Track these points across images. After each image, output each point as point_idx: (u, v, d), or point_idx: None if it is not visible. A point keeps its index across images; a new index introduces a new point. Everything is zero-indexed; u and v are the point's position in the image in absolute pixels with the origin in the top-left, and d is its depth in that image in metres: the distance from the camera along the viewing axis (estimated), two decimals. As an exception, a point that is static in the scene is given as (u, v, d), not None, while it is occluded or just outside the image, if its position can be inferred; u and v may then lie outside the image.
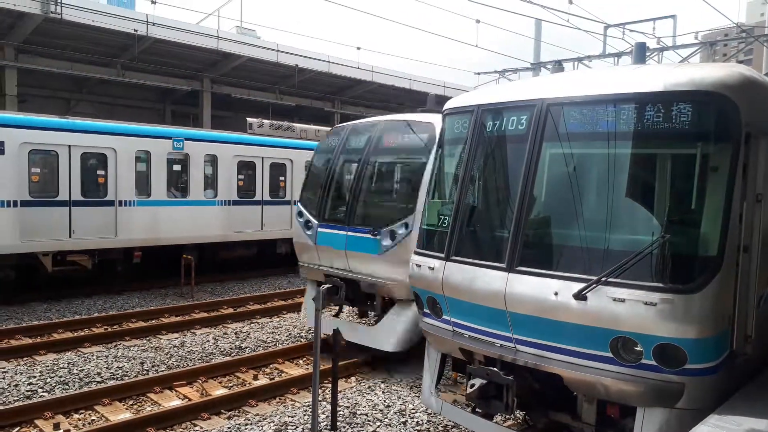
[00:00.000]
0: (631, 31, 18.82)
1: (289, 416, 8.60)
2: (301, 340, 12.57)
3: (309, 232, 11.17)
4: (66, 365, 10.49)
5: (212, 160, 18.44)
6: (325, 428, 8.17)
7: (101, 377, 10.05)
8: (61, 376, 9.93)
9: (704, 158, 5.23)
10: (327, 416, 8.31)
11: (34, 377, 9.87)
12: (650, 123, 5.34)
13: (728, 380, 5.29)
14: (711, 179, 5.20)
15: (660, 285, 5.04)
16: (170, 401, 9.09)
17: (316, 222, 11.07)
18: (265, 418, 8.51)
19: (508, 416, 7.53)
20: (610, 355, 5.26)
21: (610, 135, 5.57)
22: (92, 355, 11.14)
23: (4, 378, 9.80)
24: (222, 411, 8.77)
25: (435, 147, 8.09)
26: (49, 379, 9.80)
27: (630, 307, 5.07)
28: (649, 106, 5.33)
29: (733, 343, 5.25)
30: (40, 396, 9.16)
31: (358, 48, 34.18)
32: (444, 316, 6.64)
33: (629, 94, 5.50)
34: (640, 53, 7.38)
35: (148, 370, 10.48)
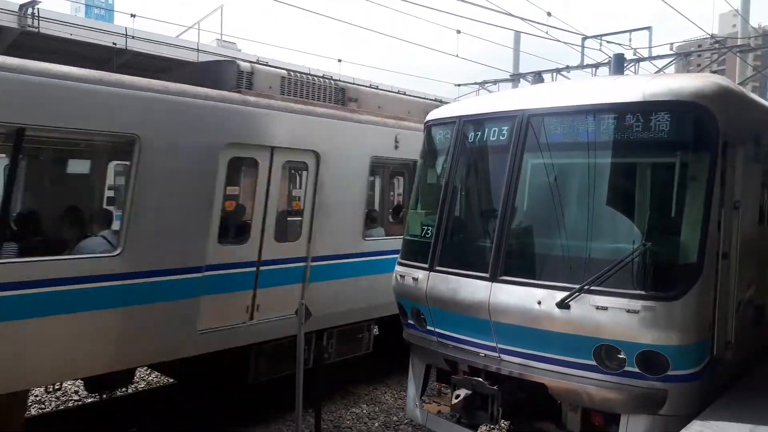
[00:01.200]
0: (608, 42, 19.08)
1: (272, 431, 8.52)
2: None
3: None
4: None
5: None
6: (310, 442, 8.11)
7: (81, 394, 9.88)
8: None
9: (683, 167, 5.31)
10: (311, 431, 8.24)
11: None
12: (629, 133, 5.41)
13: (710, 386, 5.35)
14: (690, 188, 5.28)
15: (642, 293, 5.09)
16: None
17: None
18: (249, 433, 8.42)
19: (492, 426, 7.52)
20: (593, 363, 5.29)
21: (590, 145, 5.64)
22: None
23: None
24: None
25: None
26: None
27: (613, 315, 5.11)
28: (629, 116, 5.40)
29: (713, 349, 5.31)
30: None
31: (339, 60, 34.25)
32: (428, 327, 6.64)
33: (609, 105, 5.57)
34: (619, 64, 7.50)
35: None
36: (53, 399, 9.56)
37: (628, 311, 5.04)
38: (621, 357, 5.19)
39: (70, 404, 9.37)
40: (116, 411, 8.83)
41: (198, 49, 24.15)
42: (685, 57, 21.38)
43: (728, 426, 4.81)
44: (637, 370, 5.12)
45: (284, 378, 9.20)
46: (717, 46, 22.95)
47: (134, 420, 8.39)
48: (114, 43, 22.00)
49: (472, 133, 6.63)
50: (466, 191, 6.77)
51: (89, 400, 9.43)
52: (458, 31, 20.77)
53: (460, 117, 6.79)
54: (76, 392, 9.87)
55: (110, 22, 29.73)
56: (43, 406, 9.31)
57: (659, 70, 19.41)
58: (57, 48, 22.10)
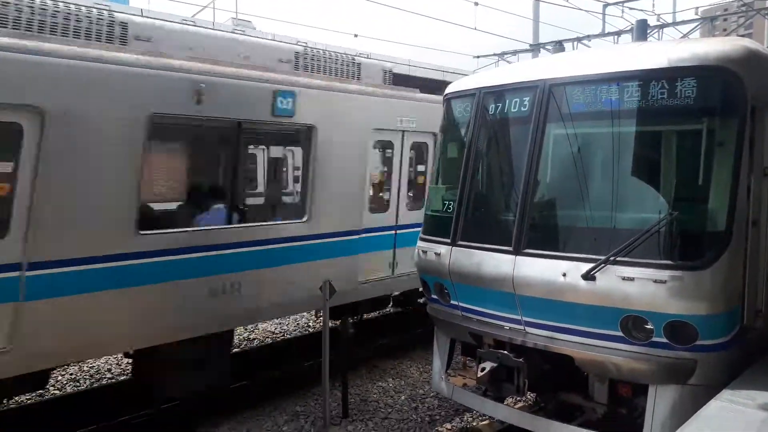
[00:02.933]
0: (630, 9, 18.69)
1: (300, 406, 8.63)
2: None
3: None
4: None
5: None
6: (337, 416, 8.20)
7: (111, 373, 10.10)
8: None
9: (710, 133, 5.19)
10: (338, 404, 8.34)
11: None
12: (654, 100, 5.29)
13: (740, 355, 5.28)
14: (717, 154, 5.16)
15: (669, 262, 5.02)
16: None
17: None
18: (277, 408, 8.54)
19: (519, 398, 7.54)
20: (620, 334, 5.25)
21: (614, 113, 5.54)
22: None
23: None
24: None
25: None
26: (60, 377, 9.84)
27: (639, 285, 5.05)
28: (653, 83, 5.28)
29: (743, 318, 5.23)
30: (52, 394, 9.20)
31: (355, 35, 34.06)
32: (452, 302, 6.63)
33: (632, 72, 5.45)
34: (642, 30, 7.31)
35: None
36: (87, 377, 9.78)
37: (656, 281, 4.98)
38: (648, 327, 5.14)
39: (104, 382, 9.57)
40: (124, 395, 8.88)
41: (214, 29, 24.09)
42: (711, 21, 20.82)
43: (759, 395, 4.76)
44: (665, 340, 5.07)
45: (311, 353, 9.32)
46: (744, 9, 22.32)
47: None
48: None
49: (493, 105, 6.54)
50: (487, 164, 6.70)
51: (121, 378, 9.63)
52: (476, 3, 20.40)
53: (480, 89, 6.70)
54: (109, 370, 10.09)
55: (125, 3, 29.75)
56: (77, 384, 9.53)
57: (684, 36, 18.96)
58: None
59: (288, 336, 12.22)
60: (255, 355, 10.77)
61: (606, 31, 19.38)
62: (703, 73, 5.15)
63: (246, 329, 12.68)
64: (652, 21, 18.11)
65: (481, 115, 6.62)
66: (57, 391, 9.29)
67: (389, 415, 8.35)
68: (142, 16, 8.68)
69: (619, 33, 19.22)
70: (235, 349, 11.31)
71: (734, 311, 5.10)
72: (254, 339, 12.02)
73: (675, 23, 19.33)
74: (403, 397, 8.96)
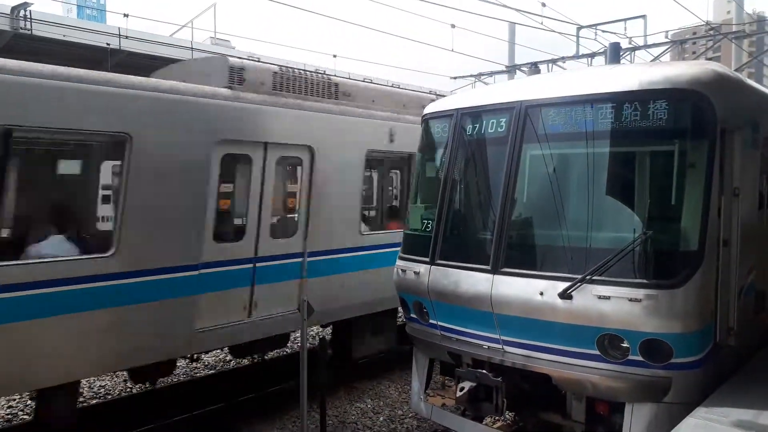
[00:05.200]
0: (603, 31, 19.06)
1: (278, 429, 8.54)
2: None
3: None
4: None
5: None
6: (315, 438, 8.12)
7: (85, 396, 9.89)
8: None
9: (681, 155, 5.31)
10: (316, 426, 8.26)
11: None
12: (627, 121, 5.41)
13: (714, 373, 5.36)
14: (689, 175, 5.28)
15: (644, 281, 5.10)
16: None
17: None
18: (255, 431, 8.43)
19: (498, 417, 7.54)
20: (597, 352, 5.30)
21: (588, 134, 5.64)
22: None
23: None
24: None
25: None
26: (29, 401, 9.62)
27: (615, 304, 5.12)
28: (626, 105, 5.40)
29: (716, 335, 5.32)
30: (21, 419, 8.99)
31: (334, 56, 34.19)
32: (431, 320, 6.64)
33: (606, 94, 5.56)
34: (615, 53, 7.49)
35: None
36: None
37: (631, 300, 5.05)
38: (624, 346, 5.20)
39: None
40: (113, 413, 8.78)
41: (192, 48, 24.06)
42: (681, 44, 21.37)
43: (732, 411, 4.83)
44: (640, 358, 5.13)
45: (288, 375, 9.22)
46: (712, 32, 22.93)
47: (137, 421, 8.37)
48: (108, 44, 21.91)
49: (470, 126, 6.62)
50: (465, 184, 6.77)
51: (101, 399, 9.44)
52: (453, 26, 20.67)
53: (457, 110, 6.78)
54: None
55: (102, 22, 29.52)
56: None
57: (655, 59, 19.39)
58: (51, 50, 22.02)
59: (265, 357, 12.09)
60: (231, 377, 10.66)
61: (580, 53, 19.77)
62: (675, 95, 5.28)
63: (222, 351, 12.53)
64: (624, 44, 18.51)
65: (459, 136, 6.70)
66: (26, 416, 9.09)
67: (368, 436, 8.29)
68: (346, 78, 11.21)
69: (592, 55, 19.62)
70: (211, 371, 11.19)
71: (707, 329, 5.19)
72: (230, 360, 11.89)
73: (646, 46, 19.76)
74: (381, 418, 8.90)
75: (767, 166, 6.75)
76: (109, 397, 9.67)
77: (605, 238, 5.52)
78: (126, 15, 20.81)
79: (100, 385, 10.26)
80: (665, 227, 5.30)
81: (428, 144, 7.27)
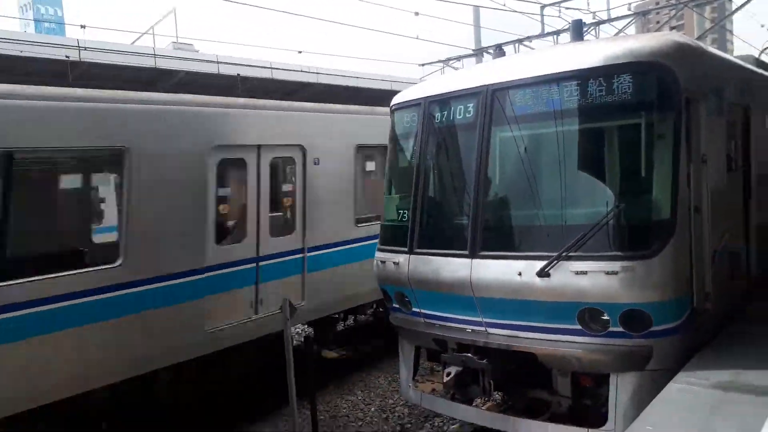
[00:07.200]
0: (566, 9, 19.17)
1: (269, 428, 8.53)
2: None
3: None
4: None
5: None
6: (308, 434, 8.13)
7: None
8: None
9: (648, 126, 5.39)
10: (308, 423, 8.26)
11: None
12: (593, 98, 5.46)
13: (693, 338, 5.47)
14: (657, 146, 5.35)
15: (619, 254, 5.17)
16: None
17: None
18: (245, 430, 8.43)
19: (487, 399, 7.61)
20: (578, 327, 5.37)
21: (556, 114, 5.69)
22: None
23: None
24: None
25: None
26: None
27: (593, 278, 5.18)
28: (591, 81, 5.45)
29: (694, 301, 5.42)
30: None
31: (300, 51, 34.05)
32: (414, 309, 6.68)
33: (570, 72, 5.61)
34: (577, 30, 7.53)
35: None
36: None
37: (608, 273, 5.12)
38: (605, 318, 5.28)
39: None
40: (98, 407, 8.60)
41: (155, 54, 23.77)
42: (644, 16, 21.56)
43: (712, 374, 4.94)
44: (621, 329, 5.21)
45: (277, 371, 9.19)
46: (674, 2, 23.18)
47: (118, 416, 8.21)
48: (67, 56, 21.57)
49: (439, 113, 6.63)
50: (438, 171, 6.79)
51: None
52: (416, 13, 20.63)
53: (425, 98, 6.79)
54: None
55: (62, 35, 29.00)
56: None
57: (619, 32, 19.55)
58: (8, 67, 21.62)
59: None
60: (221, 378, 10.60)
61: (545, 32, 19.85)
62: (638, 68, 5.34)
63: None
64: (588, 19, 18.64)
65: (428, 124, 6.71)
66: None
67: (360, 429, 8.32)
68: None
69: (558, 32, 19.71)
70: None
71: (684, 296, 5.28)
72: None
73: (610, 20, 19.91)
74: (372, 409, 8.94)
75: (733, 132, 6.87)
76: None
77: (579, 214, 5.58)
78: (83, 26, 20.49)
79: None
80: (637, 199, 5.37)
81: (398, 134, 7.28)
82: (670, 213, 5.21)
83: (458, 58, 22.61)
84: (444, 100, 6.60)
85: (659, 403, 4.56)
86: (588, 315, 5.33)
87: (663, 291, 5.10)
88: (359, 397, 9.40)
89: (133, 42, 25.64)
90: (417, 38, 21.99)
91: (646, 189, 5.38)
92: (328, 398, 9.39)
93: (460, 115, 6.39)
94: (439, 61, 23.09)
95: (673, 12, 23.92)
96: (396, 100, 7.35)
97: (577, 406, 5.86)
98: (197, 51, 27.21)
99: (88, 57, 21.78)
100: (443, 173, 6.80)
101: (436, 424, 8.24)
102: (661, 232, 5.19)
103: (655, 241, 5.16)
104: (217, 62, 26.01)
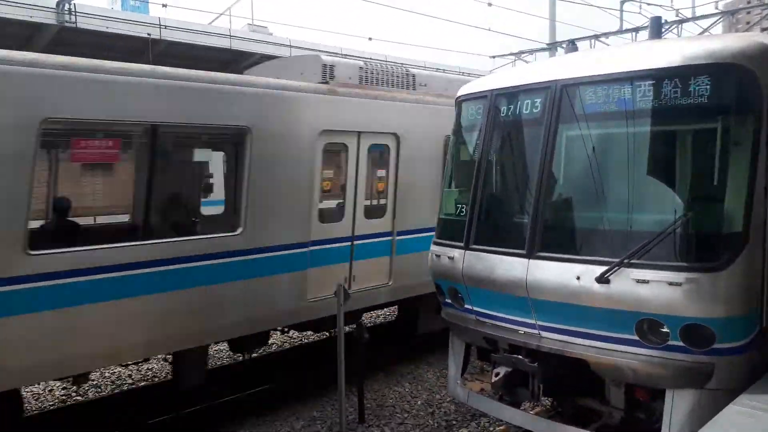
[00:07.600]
0: (648, 5, 18.48)
1: (317, 411, 8.63)
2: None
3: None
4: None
5: None
6: (353, 421, 8.19)
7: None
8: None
9: (725, 132, 5.09)
10: (355, 409, 8.33)
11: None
12: (668, 99, 5.20)
13: (759, 359, 5.16)
14: (733, 154, 5.06)
15: (684, 264, 4.93)
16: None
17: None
18: (294, 413, 8.55)
19: (535, 403, 7.46)
20: (636, 337, 5.17)
21: (627, 114, 5.45)
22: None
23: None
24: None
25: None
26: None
27: (654, 288, 4.97)
28: (666, 82, 5.19)
29: (763, 320, 5.12)
30: (74, 399, 9.32)
31: (370, 38, 34.11)
32: (466, 306, 6.59)
33: (645, 71, 5.36)
34: (656, 28, 7.21)
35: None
36: (108, 383, 9.89)
37: (671, 284, 4.89)
38: (664, 331, 5.05)
39: (124, 388, 9.67)
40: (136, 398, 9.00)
41: (230, 35, 24.29)
42: (732, 15, 20.53)
43: None
44: (681, 344, 4.98)
45: (328, 357, 9.29)
46: (767, 1, 21.95)
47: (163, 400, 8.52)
48: (149, 34, 22.29)
49: (505, 107, 6.49)
50: (500, 167, 6.65)
51: (141, 384, 9.71)
52: (489, 4, 20.29)
53: (491, 91, 6.64)
54: (129, 376, 10.19)
55: (146, 13, 30.01)
56: (99, 389, 9.64)
57: (704, 31, 18.69)
58: (95, 42, 22.58)
59: (306, 341, 12.24)
60: (274, 360, 10.82)
61: (624, 28, 19.19)
62: (718, 70, 5.05)
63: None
64: (670, 16, 17.89)
65: (494, 117, 6.57)
66: (79, 397, 9.42)
67: (405, 420, 8.31)
68: (421, 67, 11.76)
69: (636, 29, 19.02)
70: (254, 355, 11.35)
71: (752, 313, 4.99)
72: (272, 344, 12.06)
73: (695, 18, 19.06)
74: (419, 402, 8.91)
75: None
76: (125, 388, 9.91)
77: (644, 220, 5.35)
78: (164, 5, 21.10)
79: (115, 375, 10.55)
80: (707, 208, 5.10)
81: (462, 126, 7.16)
82: (743, 225, 4.93)
83: (531, 52, 22.17)
84: (511, 94, 6.44)
85: (716, 425, 4.33)
86: (647, 326, 5.11)
87: (729, 307, 4.84)
88: (407, 389, 9.39)
89: (211, 22, 26.27)
90: (489, 30, 21.65)
91: (718, 198, 5.10)
92: (376, 387, 9.43)
93: (526, 109, 6.22)
94: (511, 54, 22.70)
95: (766, 12, 22.67)
96: (462, 91, 7.23)
97: (629, 419, 5.66)
98: (271, 34, 27.67)
99: (167, 36, 22.49)
100: (505, 169, 6.66)
101: (482, 423, 8.15)
102: (731, 245, 4.91)
103: (723, 253, 4.89)
104: (290, 46, 26.43)
